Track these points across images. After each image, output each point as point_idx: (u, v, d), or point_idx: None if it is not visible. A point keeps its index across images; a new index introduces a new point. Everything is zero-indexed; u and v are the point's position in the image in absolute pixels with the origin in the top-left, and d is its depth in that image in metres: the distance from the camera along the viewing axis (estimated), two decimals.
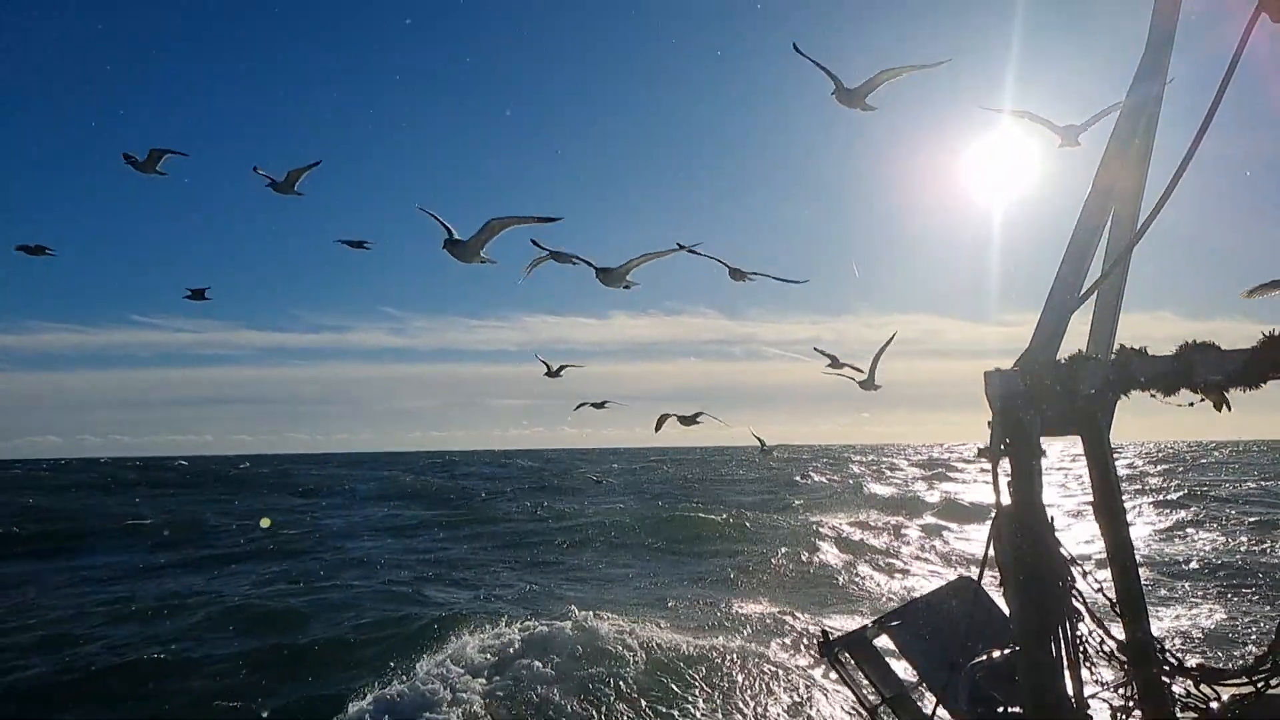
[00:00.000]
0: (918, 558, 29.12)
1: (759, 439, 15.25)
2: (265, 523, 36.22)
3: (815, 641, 5.05)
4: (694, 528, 34.28)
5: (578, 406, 12.31)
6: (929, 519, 39.84)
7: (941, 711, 4.50)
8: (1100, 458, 4.40)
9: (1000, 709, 4.26)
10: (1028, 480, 4.46)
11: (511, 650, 15.07)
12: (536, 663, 14.49)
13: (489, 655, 14.89)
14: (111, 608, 20.29)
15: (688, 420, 11.82)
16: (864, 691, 5.04)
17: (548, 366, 11.84)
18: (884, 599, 22.60)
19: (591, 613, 16.74)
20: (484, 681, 13.93)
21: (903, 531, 34.62)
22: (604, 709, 13.39)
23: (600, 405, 12.30)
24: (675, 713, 13.54)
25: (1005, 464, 4.65)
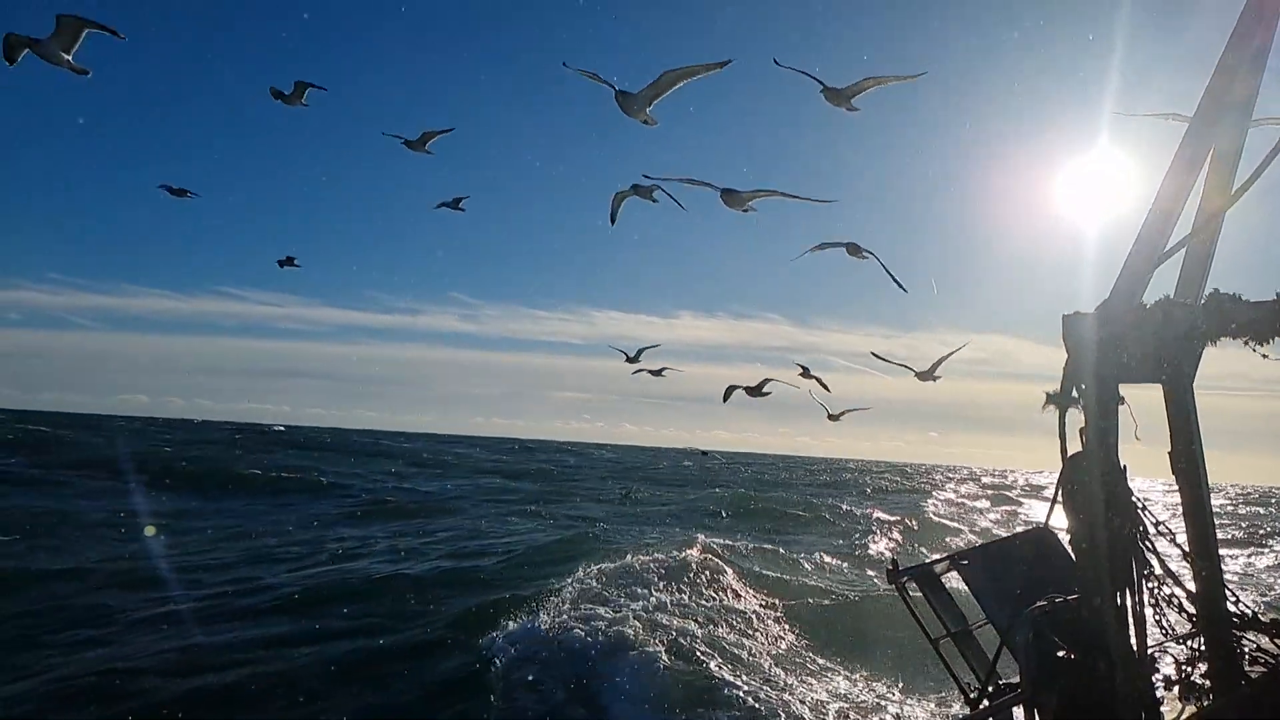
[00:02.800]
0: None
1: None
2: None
3: (884, 570, 5.03)
4: (780, 508, 37.99)
5: (635, 371, 12.17)
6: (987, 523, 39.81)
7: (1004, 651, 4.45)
8: (1182, 408, 4.26)
9: (1060, 653, 4.19)
10: (1103, 427, 4.34)
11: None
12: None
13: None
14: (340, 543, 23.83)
15: (755, 391, 11.71)
16: (926, 623, 5.02)
17: (627, 355, 11.80)
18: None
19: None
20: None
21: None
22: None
23: (658, 372, 12.19)
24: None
25: (1074, 413, 4.54)
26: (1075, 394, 4.43)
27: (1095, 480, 4.27)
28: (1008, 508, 51.17)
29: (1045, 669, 4.20)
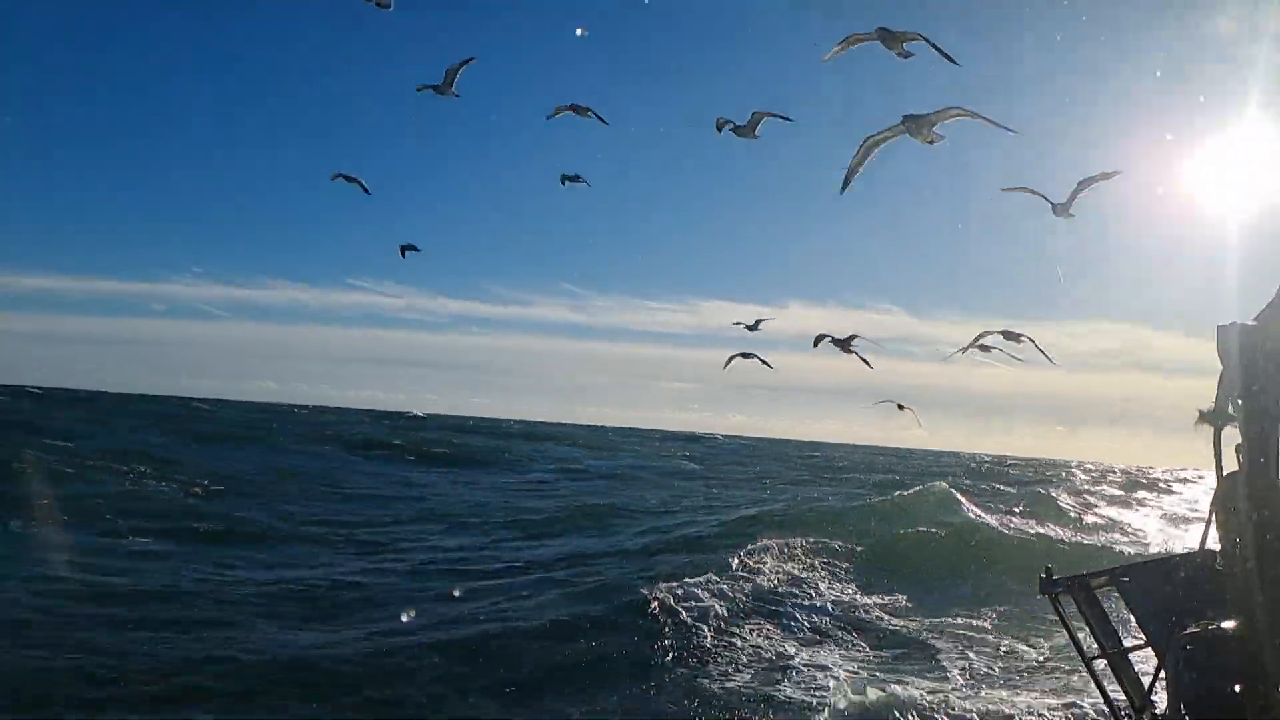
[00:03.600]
0: None
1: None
2: None
3: (1037, 578, 4.89)
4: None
5: (728, 362, 12.15)
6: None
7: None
8: None
9: (1215, 681, 4.02)
10: (1263, 445, 4.14)
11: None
12: None
13: None
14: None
15: (842, 343, 11.73)
16: (1081, 637, 4.89)
17: (746, 325, 11.97)
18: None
19: None
20: None
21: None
22: None
23: (748, 356, 12.06)
24: None
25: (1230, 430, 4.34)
26: (1231, 410, 4.24)
27: (1255, 500, 4.09)
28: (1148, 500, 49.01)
29: (1199, 696, 4.04)
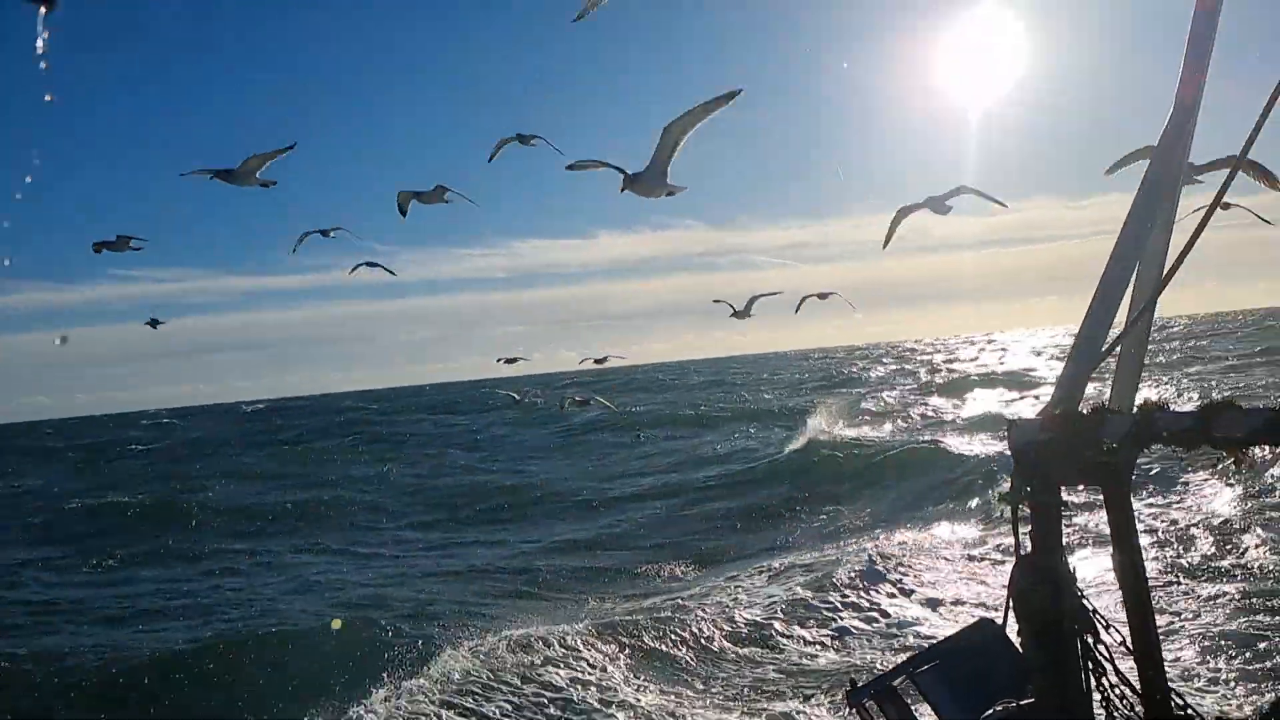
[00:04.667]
0: None
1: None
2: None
3: (842, 692, 5.00)
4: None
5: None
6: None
7: None
8: (1121, 509, 4.44)
9: None
10: (1048, 529, 4.49)
11: None
12: None
13: None
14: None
15: (742, 313, 12.63)
16: None
17: (732, 307, 12.08)
18: None
19: None
20: None
21: None
22: None
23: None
24: None
25: (1024, 512, 4.70)
26: (1022, 498, 4.59)
27: (1042, 582, 4.41)
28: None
29: None
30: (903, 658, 5.46)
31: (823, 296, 12.32)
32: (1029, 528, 4.58)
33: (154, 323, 12.00)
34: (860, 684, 4.92)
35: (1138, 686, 4.34)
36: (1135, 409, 4.59)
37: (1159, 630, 4.53)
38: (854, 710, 4.94)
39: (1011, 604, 4.56)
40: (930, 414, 44.52)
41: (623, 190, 6.17)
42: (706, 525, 24.97)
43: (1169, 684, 4.40)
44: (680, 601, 16.40)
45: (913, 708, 4.94)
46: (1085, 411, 4.51)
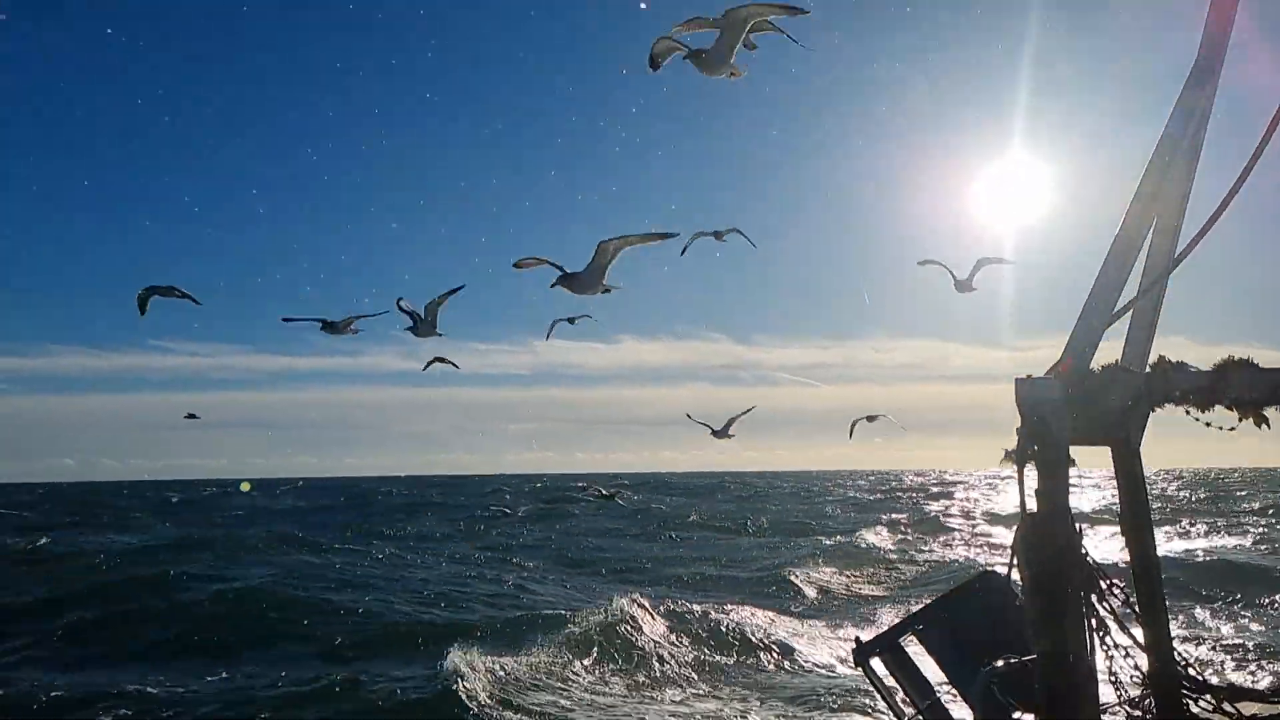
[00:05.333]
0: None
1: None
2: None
3: (849, 648, 5.02)
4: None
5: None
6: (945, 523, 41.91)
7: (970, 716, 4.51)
8: (1129, 470, 4.38)
9: (1015, 715, 4.26)
10: (1055, 488, 4.44)
11: None
12: None
13: None
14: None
15: (722, 433, 12.43)
16: (897, 699, 5.02)
17: (712, 430, 11.86)
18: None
19: None
20: None
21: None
22: None
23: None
24: None
25: (1031, 471, 4.64)
26: (1029, 454, 4.53)
27: (1047, 540, 4.37)
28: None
29: None
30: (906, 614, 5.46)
31: (871, 419, 12.42)
32: (1034, 485, 4.53)
33: (191, 416, 12.96)
34: (865, 641, 4.91)
35: (1140, 649, 4.32)
36: (1148, 368, 4.51)
37: (1164, 593, 4.50)
38: (859, 667, 4.94)
39: (1015, 561, 4.53)
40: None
41: (553, 286, 6.51)
42: None
43: (1173, 647, 4.37)
44: None
45: (916, 662, 4.96)
46: (1097, 369, 4.44)
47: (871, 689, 5.12)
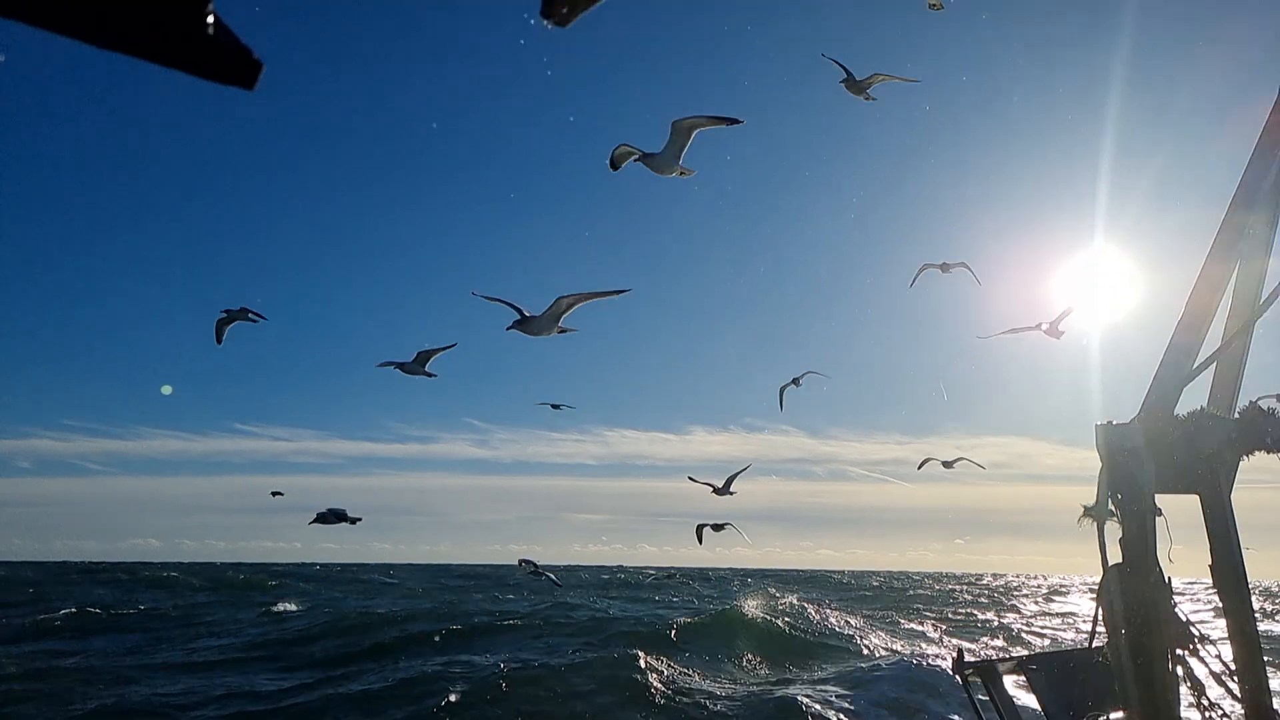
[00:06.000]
0: None
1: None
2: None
3: (950, 657, 5.01)
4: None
5: (699, 528, 12.01)
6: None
7: None
8: (1220, 518, 4.22)
9: None
10: (1140, 538, 4.31)
11: None
12: None
13: None
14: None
15: (718, 528, 12.20)
16: (988, 717, 4.94)
17: (714, 487, 11.83)
18: None
19: None
20: None
21: None
22: None
23: (719, 528, 12.00)
24: None
25: (1112, 523, 4.52)
26: (1111, 506, 4.42)
27: (1136, 593, 4.23)
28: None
29: None
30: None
31: (716, 528, 12.01)
32: (1119, 536, 4.40)
33: (276, 494, 13.45)
34: (967, 658, 4.89)
35: (1240, 707, 4.11)
36: (1237, 414, 4.38)
37: (1263, 647, 4.28)
38: (956, 675, 4.93)
39: (1101, 616, 4.39)
40: None
41: (509, 329, 6.73)
42: None
43: (1274, 708, 4.14)
44: None
45: (1014, 696, 4.90)
46: (1182, 415, 4.33)
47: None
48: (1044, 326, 8.80)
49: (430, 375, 8.90)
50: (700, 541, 11.66)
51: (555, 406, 12.04)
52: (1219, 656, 4.15)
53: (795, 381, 12.18)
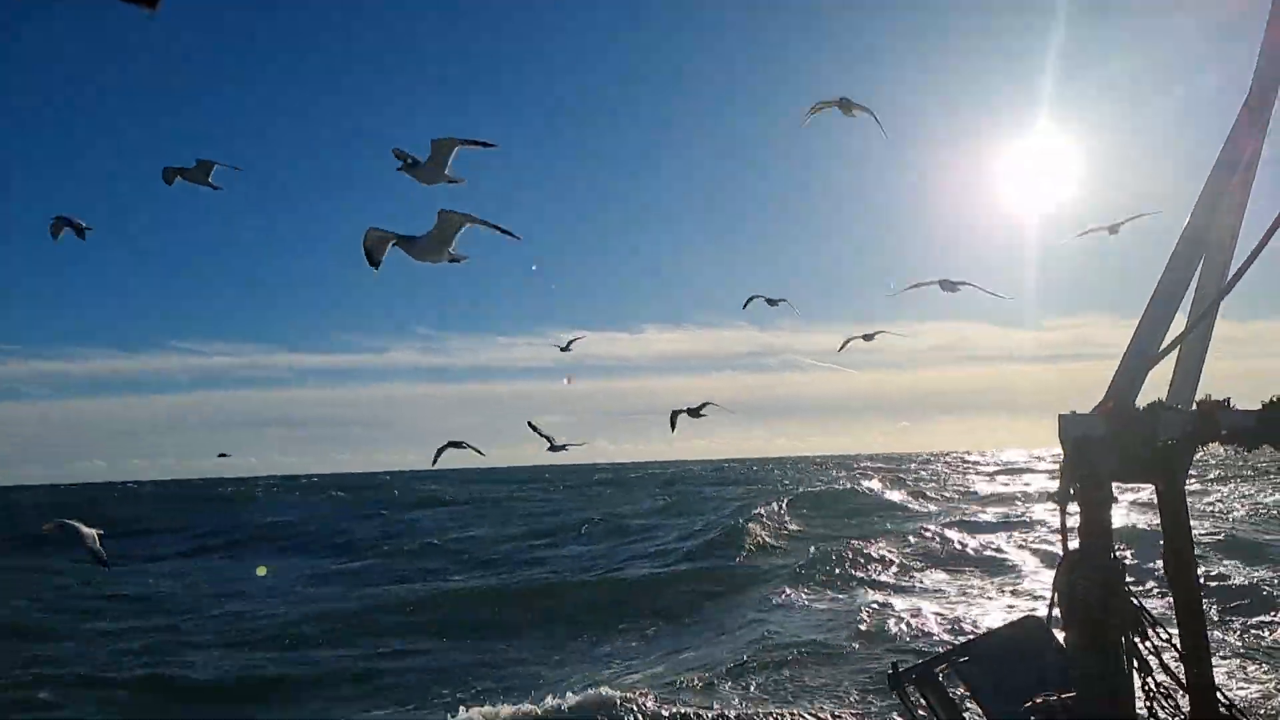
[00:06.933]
0: None
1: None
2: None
3: (884, 675, 5.06)
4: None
5: (674, 414, 11.97)
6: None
7: None
8: (1173, 507, 4.36)
9: None
10: (1099, 525, 4.44)
11: None
12: None
13: None
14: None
15: (694, 413, 12.11)
16: None
17: (688, 409, 11.80)
18: None
19: None
20: None
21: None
22: None
23: (697, 413, 11.95)
24: None
25: (1074, 508, 4.65)
26: (1071, 492, 4.54)
27: (1091, 578, 4.36)
28: None
29: None
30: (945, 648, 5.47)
31: (868, 338, 12.25)
32: (1077, 523, 4.53)
33: (224, 455, 13.21)
34: (902, 669, 4.93)
35: (1185, 686, 4.29)
36: (1195, 405, 4.50)
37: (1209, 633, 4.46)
38: (894, 694, 4.96)
39: (1056, 599, 4.52)
40: None
41: (393, 245, 6.42)
42: None
43: (1216, 685, 4.33)
44: None
45: (952, 696, 4.95)
46: (1141, 407, 4.44)
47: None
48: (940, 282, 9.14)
49: (215, 188, 8.58)
50: (673, 429, 11.63)
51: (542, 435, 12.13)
52: (1169, 640, 4.32)
53: (771, 302, 12.36)
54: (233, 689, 17.46)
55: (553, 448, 12.04)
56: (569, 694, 15.18)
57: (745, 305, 12.44)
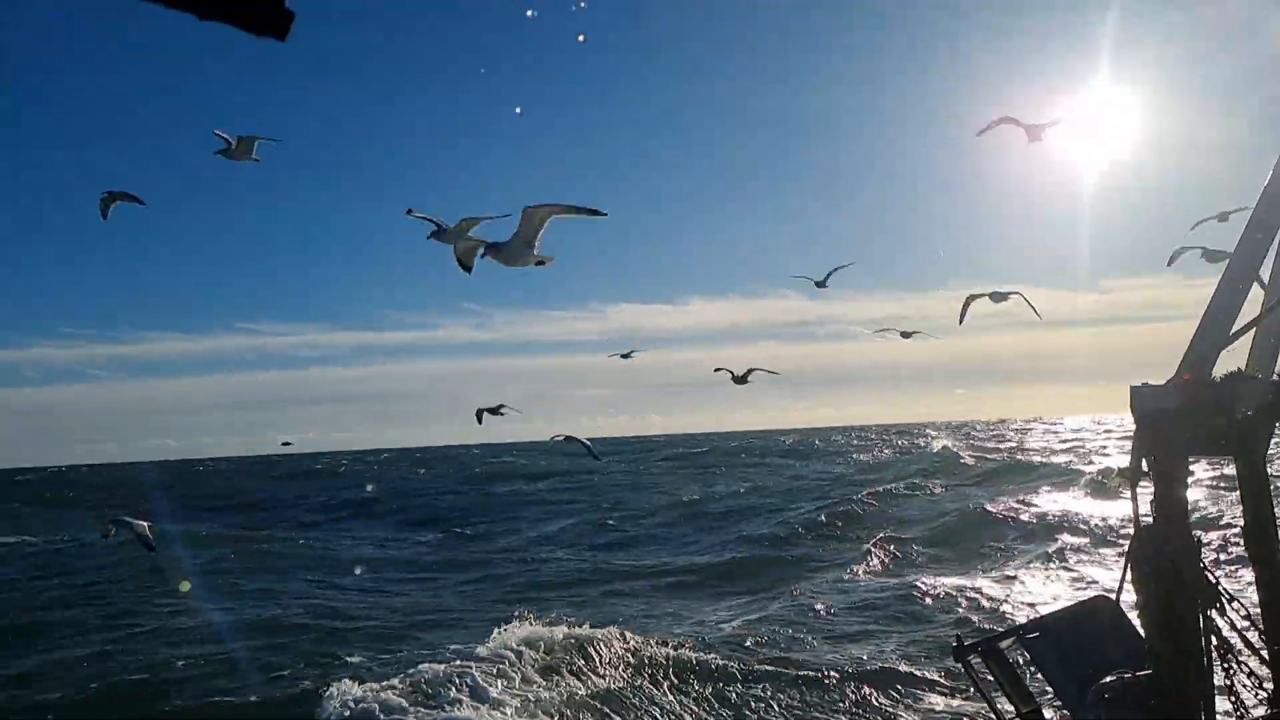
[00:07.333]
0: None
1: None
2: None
3: (949, 644, 5.05)
4: None
5: (720, 370, 12.34)
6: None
7: None
8: (1254, 482, 4.23)
9: None
10: (1173, 500, 4.33)
11: None
12: None
13: None
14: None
15: (741, 379, 12.24)
16: (996, 698, 4.99)
17: (732, 374, 11.96)
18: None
19: None
20: None
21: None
22: None
23: (743, 380, 12.08)
24: None
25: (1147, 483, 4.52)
26: (1145, 467, 4.43)
27: (1167, 555, 4.26)
28: None
29: None
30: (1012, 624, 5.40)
31: (739, 379, 11.92)
32: (1151, 497, 4.41)
33: (287, 444, 13.64)
34: (967, 642, 4.90)
35: (1266, 665, 4.16)
36: (1276, 375, 4.35)
37: None
38: (959, 664, 4.94)
39: (1129, 575, 4.43)
40: None
41: (482, 256, 6.18)
42: None
43: None
44: None
45: (1019, 671, 4.90)
46: (1219, 378, 4.30)
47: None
48: (1027, 124, 8.67)
49: (257, 160, 8.71)
50: (739, 380, 11.83)
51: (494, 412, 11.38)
52: (1247, 616, 4.20)
53: (819, 283, 12.94)
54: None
55: (491, 412, 11.65)
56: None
57: (823, 282, 12.89)
